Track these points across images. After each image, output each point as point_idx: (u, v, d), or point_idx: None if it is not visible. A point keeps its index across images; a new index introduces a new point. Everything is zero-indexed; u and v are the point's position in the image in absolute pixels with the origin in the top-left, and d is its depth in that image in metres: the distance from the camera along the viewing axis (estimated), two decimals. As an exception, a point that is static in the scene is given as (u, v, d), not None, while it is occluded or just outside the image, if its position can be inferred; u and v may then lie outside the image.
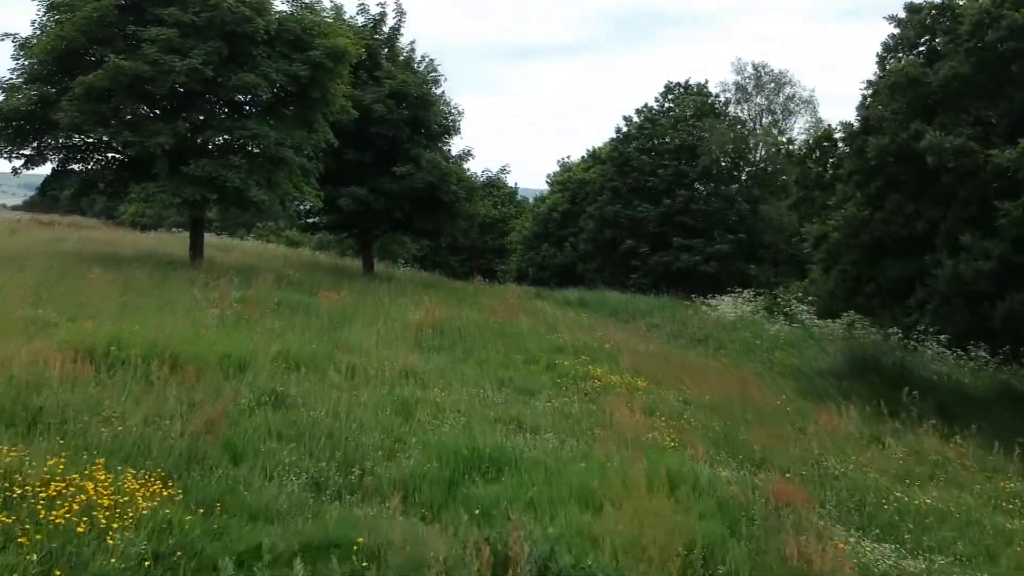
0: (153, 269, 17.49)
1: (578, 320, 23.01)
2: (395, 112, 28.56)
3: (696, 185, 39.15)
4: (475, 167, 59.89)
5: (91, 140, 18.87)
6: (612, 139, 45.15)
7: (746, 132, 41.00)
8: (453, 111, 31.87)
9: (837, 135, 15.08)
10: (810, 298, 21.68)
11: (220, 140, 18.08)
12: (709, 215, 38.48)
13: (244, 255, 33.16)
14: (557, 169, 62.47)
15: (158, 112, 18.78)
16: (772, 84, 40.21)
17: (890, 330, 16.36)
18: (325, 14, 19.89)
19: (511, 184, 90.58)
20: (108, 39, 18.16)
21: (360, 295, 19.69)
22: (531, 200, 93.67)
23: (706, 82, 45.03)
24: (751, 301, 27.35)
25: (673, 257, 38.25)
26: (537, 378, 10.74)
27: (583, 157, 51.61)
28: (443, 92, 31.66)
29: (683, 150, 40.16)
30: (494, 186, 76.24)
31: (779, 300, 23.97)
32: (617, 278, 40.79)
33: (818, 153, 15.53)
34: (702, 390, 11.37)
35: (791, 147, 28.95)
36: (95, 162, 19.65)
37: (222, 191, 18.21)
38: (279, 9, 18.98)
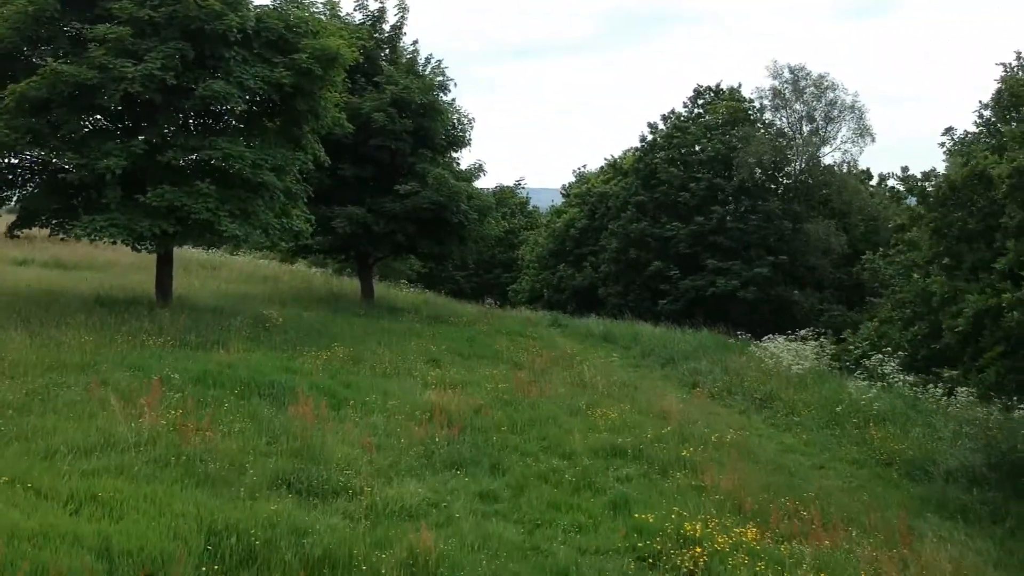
0: (92, 327, 14.46)
1: (614, 371, 20.05)
2: (397, 122, 25.78)
3: (731, 201, 36.15)
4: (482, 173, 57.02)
5: (26, 162, 15.98)
6: (636, 148, 42.24)
7: (784, 142, 38.00)
8: (463, 120, 29.03)
9: (995, 170, 12.01)
10: (888, 348, 18.73)
11: (184, 162, 15.10)
12: (746, 234, 35.47)
13: (227, 281, 30.29)
14: (572, 179, 59.85)
15: (108, 128, 15.84)
16: (812, 89, 37.22)
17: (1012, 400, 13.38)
18: (316, 9, 17.04)
19: (521, 192, 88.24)
20: (47, 38, 15.33)
21: (356, 349, 16.77)
22: (542, 210, 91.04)
23: (739, 86, 42.13)
24: (809, 341, 24.33)
25: (707, 281, 35.25)
26: (604, 537, 7.57)
27: (602, 167, 48.66)
28: (453, 100, 28.82)
29: (716, 162, 37.18)
30: (505, 196, 73.73)
31: (850, 347, 21.02)
32: (643, 304, 37.85)
33: (968, 194, 12.48)
34: (841, 538, 8.14)
35: (924, 185, 25.46)
36: (32, 189, 16.67)
37: (186, 224, 15.33)
38: (258, 3, 16.16)
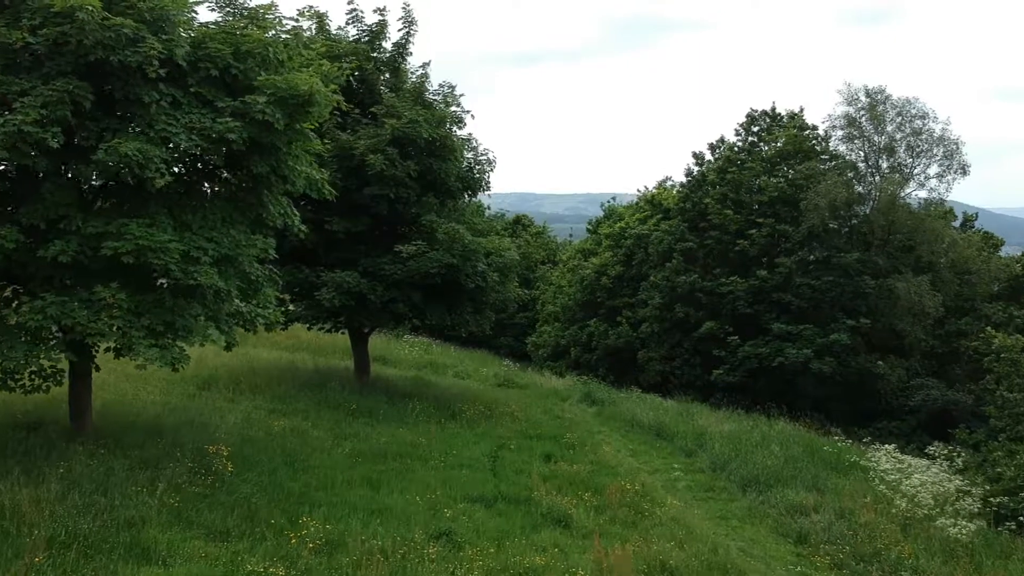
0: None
1: (691, 519, 15.44)
2: (399, 165, 21.49)
3: (799, 250, 31.67)
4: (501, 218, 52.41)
5: None
6: (681, 184, 37.88)
7: (859, 179, 33.54)
8: (480, 160, 24.65)
9: None
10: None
11: (83, 256, 10.61)
12: (819, 292, 30.95)
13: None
14: (600, 213, 55.31)
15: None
16: (893, 116, 32.77)
17: None
18: (283, 28, 12.57)
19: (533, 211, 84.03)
20: None
21: (335, 515, 12.26)
22: (558, 237, 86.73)
23: (801, 110, 37.73)
24: (929, 445, 19.75)
25: (772, 349, 30.70)
26: None
27: (637, 204, 44.22)
28: (469, 135, 24.45)
29: (780, 203, 32.72)
30: (520, 224, 69.51)
31: (1002, 475, 16.28)
32: (692, 371, 33.36)
33: None
34: None
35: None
36: None
37: (80, 351, 10.92)
38: (200, 21, 11.78)
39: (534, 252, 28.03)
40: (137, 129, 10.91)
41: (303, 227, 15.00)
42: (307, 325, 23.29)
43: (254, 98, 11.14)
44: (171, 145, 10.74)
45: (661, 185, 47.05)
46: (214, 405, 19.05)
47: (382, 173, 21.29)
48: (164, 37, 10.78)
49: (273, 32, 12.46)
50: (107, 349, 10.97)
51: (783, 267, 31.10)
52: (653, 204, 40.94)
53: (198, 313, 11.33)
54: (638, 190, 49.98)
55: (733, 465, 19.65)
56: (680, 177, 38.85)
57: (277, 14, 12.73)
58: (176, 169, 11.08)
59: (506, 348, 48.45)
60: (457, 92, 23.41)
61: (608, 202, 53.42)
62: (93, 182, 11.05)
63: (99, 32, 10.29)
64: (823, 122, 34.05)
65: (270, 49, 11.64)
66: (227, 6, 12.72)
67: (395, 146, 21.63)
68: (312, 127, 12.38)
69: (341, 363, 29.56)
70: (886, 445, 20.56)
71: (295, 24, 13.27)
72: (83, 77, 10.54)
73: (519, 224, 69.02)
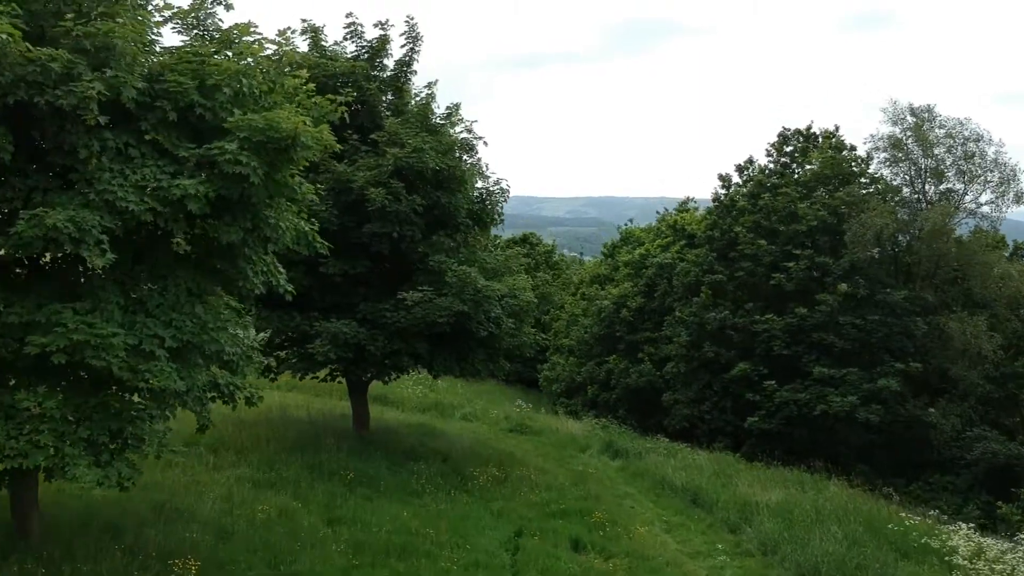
0: None
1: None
2: (403, 199, 19.45)
3: (843, 286, 29.48)
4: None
5: None
6: (707, 210, 35.72)
7: (900, 204, 31.35)
8: (493, 191, 22.60)
9: None
10: None
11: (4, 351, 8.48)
12: (864, 332, 28.74)
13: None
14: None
15: None
16: (946, 138, 30.58)
17: None
18: (261, 54, 10.48)
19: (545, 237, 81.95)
20: None
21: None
22: (565, 252, 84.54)
23: (836, 129, 35.59)
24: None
25: (812, 395, 28.45)
26: None
27: (657, 227, 42.05)
28: (479, 160, 22.40)
29: (820, 232, 30.53)
30: (528, 242, 67.42)
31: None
32: (723, 416, 31.15)
33: None
34: None
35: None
36: None
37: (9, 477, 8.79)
38: (163, 46, 9.72)
39: (554, 292, 25.88)
40: (74, 190, 8.78)
41: (290, 287, 12.85)
42: (298, 375, 21.14)
43: (223, 145, 9.00)
44: (116, 211, 8.60)
45: (683, 207, 45.00)
46: (192, 478, 16.93)
47: (384, 209, 19.29)
48: (109, 73, 8.66)
49: (251, 59, 10.33)
50: (35, 468, 8.81)
51: (825, 304, 28.88)
52: (676, 229, 38.81)
53: (154, 414, 9.17)
54: (657, 212, 48.01)
55: (786, 548, 17.43)
56: (691, 184, 36.84)
57: (256, 35, 10.59)
58: (113, 253, 8.92)
59: (514, 375, 46.25)
60: (467, 117, 21.34)
61: (625, 225, 51.23)
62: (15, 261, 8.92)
63: (20, 67, 8.20)
64: (864, 142, 31.91)
65: (245, 81, 9.50)
66: (196, 27, 10.57)
67: (398, 178, 19.64)
68: (293, 173, 10.23)
69: (338, 406, 27.54)
70: (961, 524, 18.33)
71: (278, 47, 11.11)
72: (1, 122, 8.44)
73: (527, 242, 67.03)
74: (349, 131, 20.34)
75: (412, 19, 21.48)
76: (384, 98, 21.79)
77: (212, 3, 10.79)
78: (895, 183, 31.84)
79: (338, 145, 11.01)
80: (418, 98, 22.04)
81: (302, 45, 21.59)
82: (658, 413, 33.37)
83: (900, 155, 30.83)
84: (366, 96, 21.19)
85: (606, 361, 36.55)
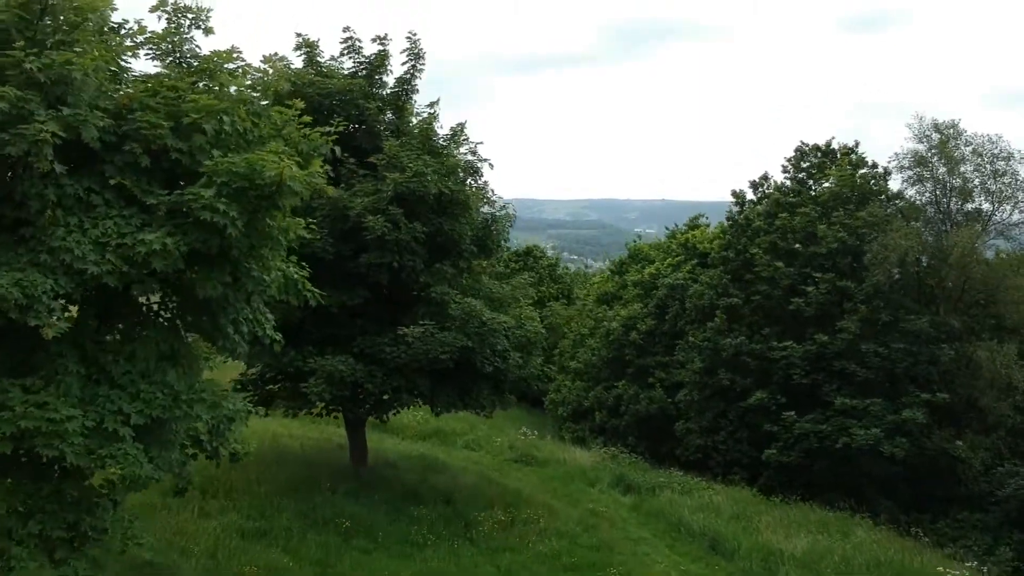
0: None
1: None
2: (403, 227, 18.42)
3: (863, 309, 28.40)
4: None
5: None
6: (721, 228, 34.66)
7: (924, 224, 30.27)
8: (499, 215, 21.58)
9: None
10: None
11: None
12: (890, 361, 27.64)
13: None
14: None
15: None
16: (973, 155, 29.51)
17: None
18: (245, 84, 9.44)
19: (548, 249, 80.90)
20: None
21: None
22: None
23: (856, 145, 34.55)
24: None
25: (834, 427, 27.34)
26: None
27: (667, 245, 40.93)
28: (485, 183, 21.39)
29: (841, 254, 29.45)
30: (530, 255, 66.40)
31: None
32: (738, 447, 30.05)
33: None
34: None
35: None
36: None
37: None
38: (138, 73, 8.72)
39: (563, 324, 24.92)
40: (21, 252, 7.74)
41: (278, 336, 11.79)
42: (291, 414, 20.06)
43: (198, 191, 7.96)
44: (72, 276, 7.56)
45: (693, 223, 43.90)
46: (177, 527, 15.88)
47: (383, 238, 18.22)
48: (66, 111, 7.63)
49: (235, 88, 9.30)
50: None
51: (847, 331, 27.79)
52: (687, 248, 37.75)
53: (118, 499, 8.10)
54: (666, 228, 46.92)
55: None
56: (701, 193, 35.70)
57: (239, 62, 9.55)
58: (67, 324, 7.86)
59: (517, 392, 45.13)
60: (473, 139, 20.30)
61: (633, 242, 50.10)
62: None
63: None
64: (889, 160, 30.79)
65: (226, 119, 8.45)
66: (173, 53, 9.53)
67: (398, 204, 18.61)
68: (282, 223, 9.18)
69: (335, 434, 26.47)
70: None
71: (264, 75, 10.07)
72: None
73: (530, 255, 66.04)
74: (346, 154, 19.34)
75: (414, 35, 20.50)
76: (383, 118, 20.77)
77: (190, 27, 9.71)
78: (919, 201, 30.76)
79: (330, 188, 9.98)
80: (420, 117, 21.04)
81: (296, 61, 20.63)
82: (670, 441, 32.30)
83: (925, 173, 29.76)
84: (364, 116, 20.20)
85: (615, 386, 35.46)
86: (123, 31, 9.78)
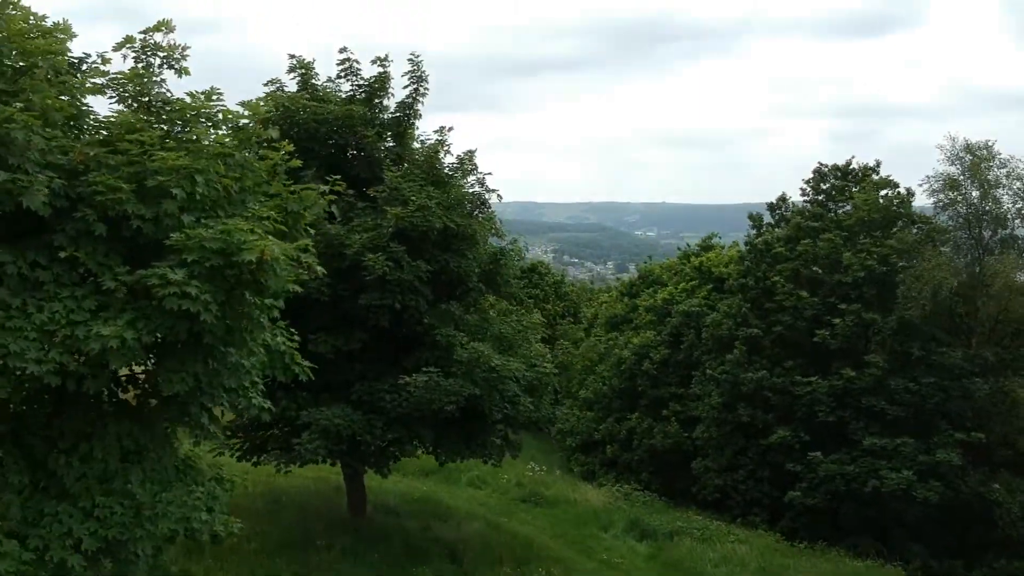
0: None
1: None
2: (406, 266, 17.24)
3: (890, 342, 27.21)
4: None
5: None
6: (738, 253, 33.46)
7: (955, 250, 29.07)
8: (508, 250, 20.45)
9: None
10: None
11: None
12: (921, 398, 26.42)
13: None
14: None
15: None
16: (1009, 179, 28.30)
17: None
18: (225, 131, 8.32)
19: (553, 264, 79.77)
20: None
21: None
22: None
23: (877, 164, 33.38)
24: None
25: (862, 468, 26.10)
26: None
27: (679, 269, 39.64)
28: (492, 214, 20.27)
29: (869, 283, 28.23)
30: (535, 272, 65.26)
31: None
32: (759, 487, 28.80)
33: None
34: None
35: None
36: None
37: None
38: (100, 115, 7.62)
39: (576, 362, 23.82)
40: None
41: (266, 404, 10.67)
42: (284, 470, 18.78)
43: (165, 271, 6.77)
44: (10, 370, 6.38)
45: (706, 243, 42.68)
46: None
47: (384, 278, 17.01)
48: (3, 176, 6.46)
49: (213, 135, 8.15)
50: None
51: (875, 366, 26.56)
52: (701, 271, 36.52)
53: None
54: (679, 248, 45.73)
55: None
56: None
57: (219, 104, 8.41)
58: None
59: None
60: (481, 169, 19.16)
61: (644, 262, 48.86)
62: None
63: None
64: (920, 184, 29.55)
65: (199, 179, 7.28)
66: (140, 97, 8.37)
67: (400, 240, 17.44)
68: (265, 318, 8.01)
69: (333, 474, 25.21)
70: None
71: (248, 117, 8.90)
72: None
73: (535, 272, 64.88)
74: (343, 184, 18.16)
75: (417, 57, 19.38)
76: (383, 145, 19.61)
77: (161, 66, 8.54)
78: (949, 226, 29.53)
79: (321, 269, 8.81)
80: (423, 142, 19.88)
81: (290, 84, 19.53)
82: (686, 478, 31.07)
83: (957, 196, 28.56)
84: (363, 143, 19.06)
85: (627, 418, 34.21)
86: (85, 66, 8.64)
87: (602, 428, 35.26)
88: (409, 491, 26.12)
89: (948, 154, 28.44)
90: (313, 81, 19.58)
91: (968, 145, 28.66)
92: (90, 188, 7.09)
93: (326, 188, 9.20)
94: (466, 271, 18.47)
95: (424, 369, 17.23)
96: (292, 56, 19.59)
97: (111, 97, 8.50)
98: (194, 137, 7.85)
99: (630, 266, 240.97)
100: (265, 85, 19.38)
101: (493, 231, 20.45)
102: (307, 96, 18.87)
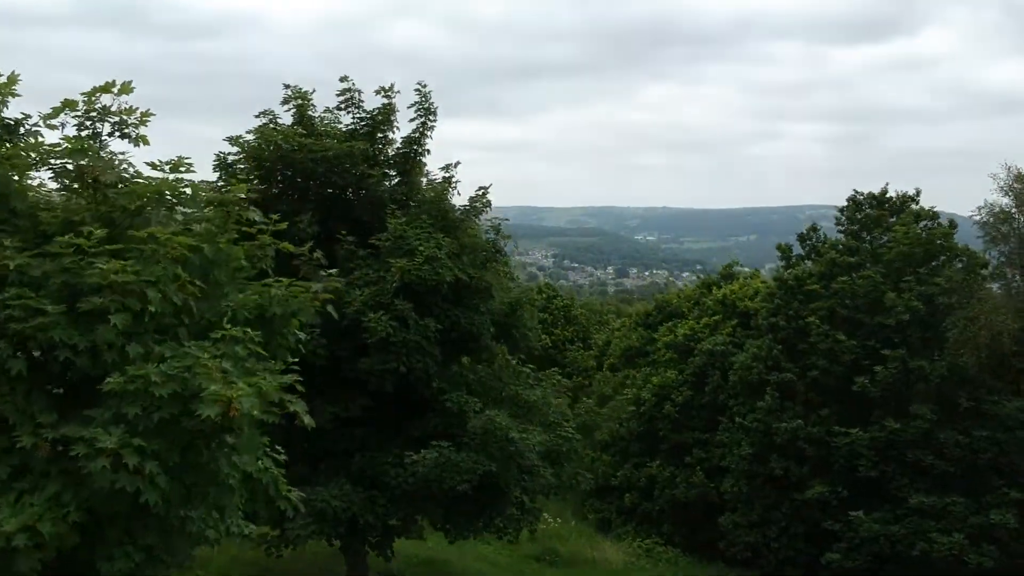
0: None
1: None
2: (412, 325, 15.65)
3: (938, 392, 25.49)
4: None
5: None
6: (767, 288, 31.72)
7: (1004, 288, 27.38)
8: (522, 299, 18.82)
9: None
10: None
11: None
12: (971, 452, 24.72)
13: None
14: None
15: None
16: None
17: None
18: (200, 215, 6.84)
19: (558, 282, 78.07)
20: None
21: None
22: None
23: (917, 192, 31.60)
24: None
25: (909, 528, 24.36)
26: None
27: (695, 301, 37.79)
28: (507, 262, 18.70)
29: (914, 325, 26.50)
30: (543, 293, 63.64)
31: None
32: (793, 545, 27.07)
33: None
34: None
35: None
36: None
37: None
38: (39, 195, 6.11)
39: (594, 418, 22.20)
40: None
41: (251, 527, 9.05)
42: (275, 554, 17.06)
43: (94, 435, 5.13)
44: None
45: (727, 271, 40.87)
46: None
47: (387, 339, 15.39)
48: None
49: (181, 215, 6.53)
50: None
51: (921, 418, 24.83)
52: (725, 305, 34.79)
53: None
54: (697, 275, 44.05)
55: None
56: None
57: (188, 175, 6.81)
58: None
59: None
60: (501, 221, 17.60)
61: (659, 293, 47.13)
62: None
63: None
64: (970, 214, 27.78)
65: (152, 294, 5.65)
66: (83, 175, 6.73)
67: (406, 296, 15.87)
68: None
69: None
70: None
71: (225, 194, 7.28)
72: None
73: (542, 293, 63.26)
74: (343, 231, 16.64)
75: (424, 86, 17.80)
76: (386, 184, 18.01)
77: (112, 135, 6.92)
78: (999, 262, 27.81)
79: (309, 420, 7.21)
80: (431, 180, 18.28)
81: (285, 117, 17.97)
82: (710, 530, 29.31)
83: (1008, 231, 26.82)
84: (365, 183, 17.49)
85: (647, 464, 32.43)
86: (23, 130, 7.03)
87: (620, 474, 33.50)
88: (414, 551, 24.48)
89: (1003, 184, 26.69)
90: (310, 113, 18.04)
91: (1019, 173, 26.95)
92: (4, 312, 5.43)
93: (320, 286, 7.56)
94: (479, 327, 16.87)
95: (433, 444, 15.61)
96: (287, 86, 18.05)
97: (51, 176, 6.88)
98: (148, 235, 6.18)
99: (631, 271, 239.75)
100: (257, 116, 17.86)
101: (508, 277, 18.92)
102: (303, 132, 17.30)
